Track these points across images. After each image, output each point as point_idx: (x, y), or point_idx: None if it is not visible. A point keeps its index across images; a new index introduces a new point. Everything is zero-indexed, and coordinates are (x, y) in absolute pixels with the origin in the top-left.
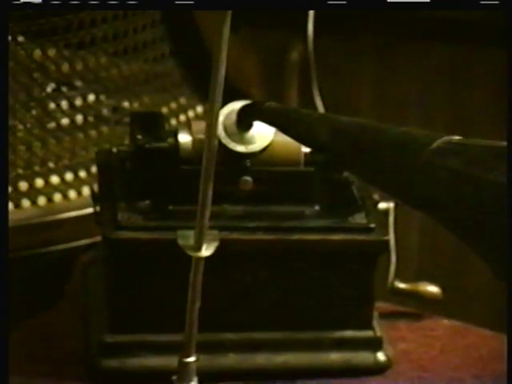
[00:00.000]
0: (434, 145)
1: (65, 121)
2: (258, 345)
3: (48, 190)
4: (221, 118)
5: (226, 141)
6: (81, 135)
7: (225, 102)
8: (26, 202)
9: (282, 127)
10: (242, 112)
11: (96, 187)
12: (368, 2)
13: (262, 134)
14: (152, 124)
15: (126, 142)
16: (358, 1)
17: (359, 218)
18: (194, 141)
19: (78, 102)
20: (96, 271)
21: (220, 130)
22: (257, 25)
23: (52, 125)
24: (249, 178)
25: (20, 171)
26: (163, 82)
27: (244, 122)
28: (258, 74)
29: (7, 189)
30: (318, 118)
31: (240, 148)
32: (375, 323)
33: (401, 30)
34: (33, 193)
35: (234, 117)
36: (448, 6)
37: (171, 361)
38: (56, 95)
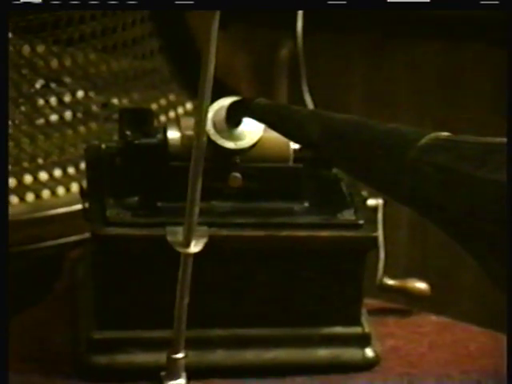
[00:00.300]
0: (422, 141)
1: (54, 117)
2: (246, 341)
3: (36, 187)
4: (210, 115)
5: (215, 137)
6: (70, 131)
7: (214, 99)
8: (14, 199)
9: (271, 124)
10: (231, 108)
11: (85, 183)
12: (368, 2)
13: (252, 131)
14: (141, 120)
15: (115, 138)
16: (358, 1)
17: (348, 215)
18: (183, 137)
19: (67, 98)
20: (85, 268)
21: (209, 127)
22: (246, 22)
23: (41, 121)
24: (238, 175)
25: (9, 167)
26: (152, 78)
27: (233, 118)
28: (248, 71)
29: (7, 192)
30: (307, 114)
31: (229, 144)
32: (364, 319)
33: (391, 28)
34: (21, 189)
35: (223, 113)
36: (448, 6)
37: (160, 357)
38: (45, 91)
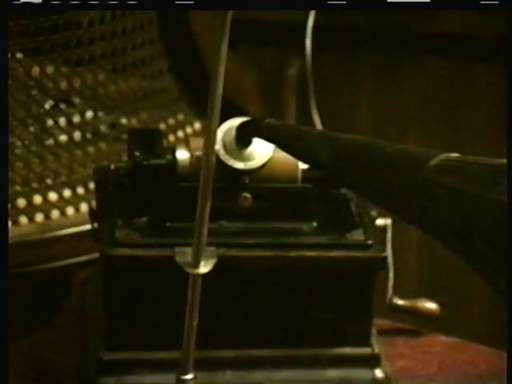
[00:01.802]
0: (432, 162)
1: (63, 137)
2: (255, 362)
3: (46, 207)
4: (220, 135)
5: (224, 157)
6: (79, 152)
7: (223, 119)
8: (23, 219)
9: (280, 144)
10: (240, 129)
11: (94, 204)
12: (368, 2)
13: (261, 151)
14: (150, 141)
15: (124, 158)
16: (358, 1)
17: (357, 235)
18: (192, 157)
19: (76, 118)
20: (94, 288)
21: (219, 147)
22: (255, 41)
23: (50, 141)
24: (248, 195)
25: (18, 188)
26: (161, 98)
27: (243, 138)
28: (256, 91)
29: (7, 206)
30: (317, 135)
31: (239, 165)
32: (373, 340)
33: (399, 46)
34: (30, 209)
35: (233, 133)
36: (448, 6)
37: (169, 378)
38: (54, 112)
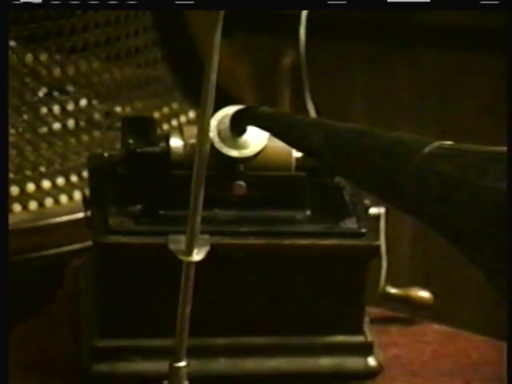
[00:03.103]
0: (426, 150)
1: (56, 125)
2: (248, 350)
3: (39, 195)
4: (214, 123)
5: (219, 145)
6: (72, 140)
7: (217, 108)
8: (17, 207)
9: (275, 132)
10: (235, 117)
11: (87, 192)
12: (368, 1)
13: (256, 139)
14: (144, 129)
15: (118, 146)
16: (358, 1)
17: (350, 223)
18: (186, 145)
19: (70, 106)
20: (87, 276)
21: (213, 135)
22: (249, 30)
23: (44, 129)
24: (242, 183)
25: (11, 176)
26: (155, 87)
27: (238, 126)
28: (250, 80)
29: (7, 203)
30: (311, 123)
31: (233, 153)
32: (366, 328)
33: (392, 36)
34: (24, 197)
35: (227, 121)
36: (448, 6)
37: (162, 365)
38: (48, 100)
